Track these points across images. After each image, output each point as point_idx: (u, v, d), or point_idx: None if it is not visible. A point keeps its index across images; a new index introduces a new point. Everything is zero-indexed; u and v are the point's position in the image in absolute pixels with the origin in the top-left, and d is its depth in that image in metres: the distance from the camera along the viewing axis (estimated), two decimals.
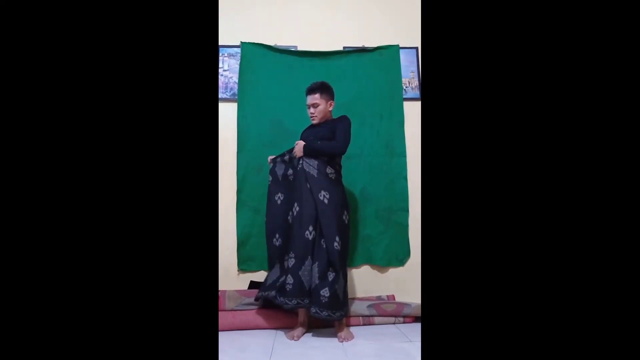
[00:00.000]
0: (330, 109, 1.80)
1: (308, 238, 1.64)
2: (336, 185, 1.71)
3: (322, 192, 1.66)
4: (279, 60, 2.16)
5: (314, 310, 1.57)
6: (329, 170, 1.70)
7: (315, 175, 1.69)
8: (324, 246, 1.61)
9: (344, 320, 1.70)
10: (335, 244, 1.60)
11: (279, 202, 1.85)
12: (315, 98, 1.74)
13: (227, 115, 2.09)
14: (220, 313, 1.76)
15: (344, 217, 1.68)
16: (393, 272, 2.08)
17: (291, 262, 1.64)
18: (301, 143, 1.72)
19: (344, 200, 1.72)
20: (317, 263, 1.61)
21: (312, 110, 1.75)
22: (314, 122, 1.77)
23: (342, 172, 1.79)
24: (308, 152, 1.70)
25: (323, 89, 1.76)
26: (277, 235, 1.82)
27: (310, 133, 1.77)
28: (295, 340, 1.62)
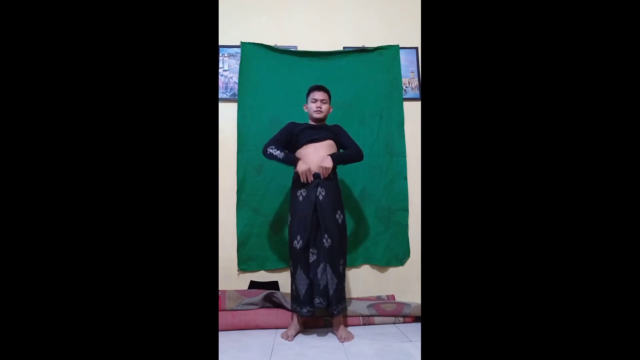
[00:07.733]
0: (330, 112, 1.83)
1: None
2: (331, 184, 1.71)
3: (319, 189, 1.66)
4: (279, 60, 2.16)
5: (318, 301, 1.59)
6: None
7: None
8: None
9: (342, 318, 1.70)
10: (324, 240, 1.62)
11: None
12: (324, 95, 1.78)
13: (227, 115, 2.09)
14: (220, 313, 1.76)
15: (337, 217, 1.67)
16: (393, 271, 2.08)
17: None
18: (327, 158, 1.66)
19: (338, 200, 1.72)
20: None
21: (319, 104, 1.77)
22: (319, 116, 1.77)
23: (342, 172, 1.78)
24: (337, 162, 1.70)
25: (329, 91, 1.82)
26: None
27: (313, 134, 1.75)
28: (289, 340, 1.61)
